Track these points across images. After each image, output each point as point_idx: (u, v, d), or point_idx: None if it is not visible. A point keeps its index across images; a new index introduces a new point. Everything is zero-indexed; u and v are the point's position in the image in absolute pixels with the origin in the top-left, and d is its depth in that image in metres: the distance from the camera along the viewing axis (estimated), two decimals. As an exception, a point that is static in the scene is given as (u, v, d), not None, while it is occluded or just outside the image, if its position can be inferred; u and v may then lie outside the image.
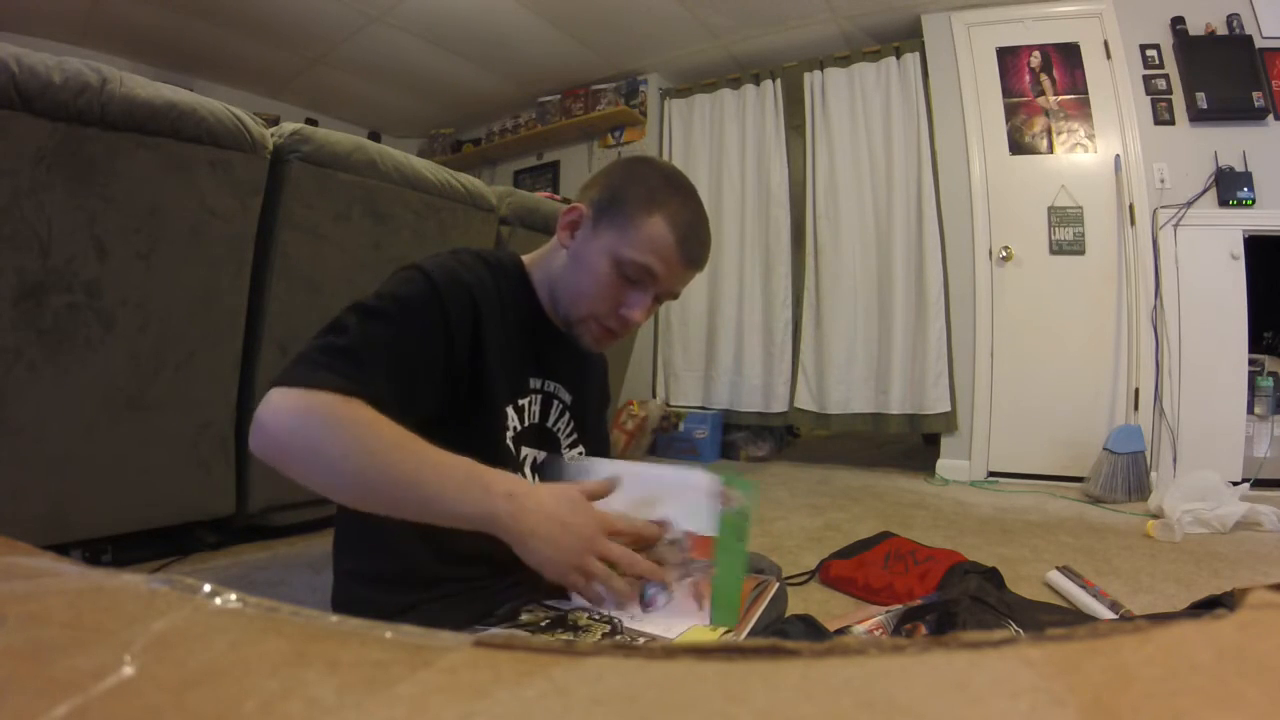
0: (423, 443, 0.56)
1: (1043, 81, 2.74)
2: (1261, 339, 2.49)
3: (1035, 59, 2.76)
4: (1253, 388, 2.40)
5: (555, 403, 0.82)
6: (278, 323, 1.47)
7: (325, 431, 0.54)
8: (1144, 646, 0.14)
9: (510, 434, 0.74)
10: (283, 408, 0.55)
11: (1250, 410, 2.39)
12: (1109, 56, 2.64)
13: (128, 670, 0.14)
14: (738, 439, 3.26)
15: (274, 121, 1.52)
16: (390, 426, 0.56)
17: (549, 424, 0.81)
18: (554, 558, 0.56)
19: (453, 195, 1.72)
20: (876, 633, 1.03)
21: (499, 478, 0.57)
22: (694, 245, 0.74)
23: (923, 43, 2.95)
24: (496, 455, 0.72)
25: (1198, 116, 2.49)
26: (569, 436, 0.84)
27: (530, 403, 0.78)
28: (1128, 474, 2.30)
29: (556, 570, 0.56)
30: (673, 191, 0.73)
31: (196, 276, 1.33)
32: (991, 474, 2.71)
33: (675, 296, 0.78)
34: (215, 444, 1.42)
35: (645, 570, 0.59)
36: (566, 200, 2.50)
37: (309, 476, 0.56)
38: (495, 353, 0.71)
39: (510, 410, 0.75)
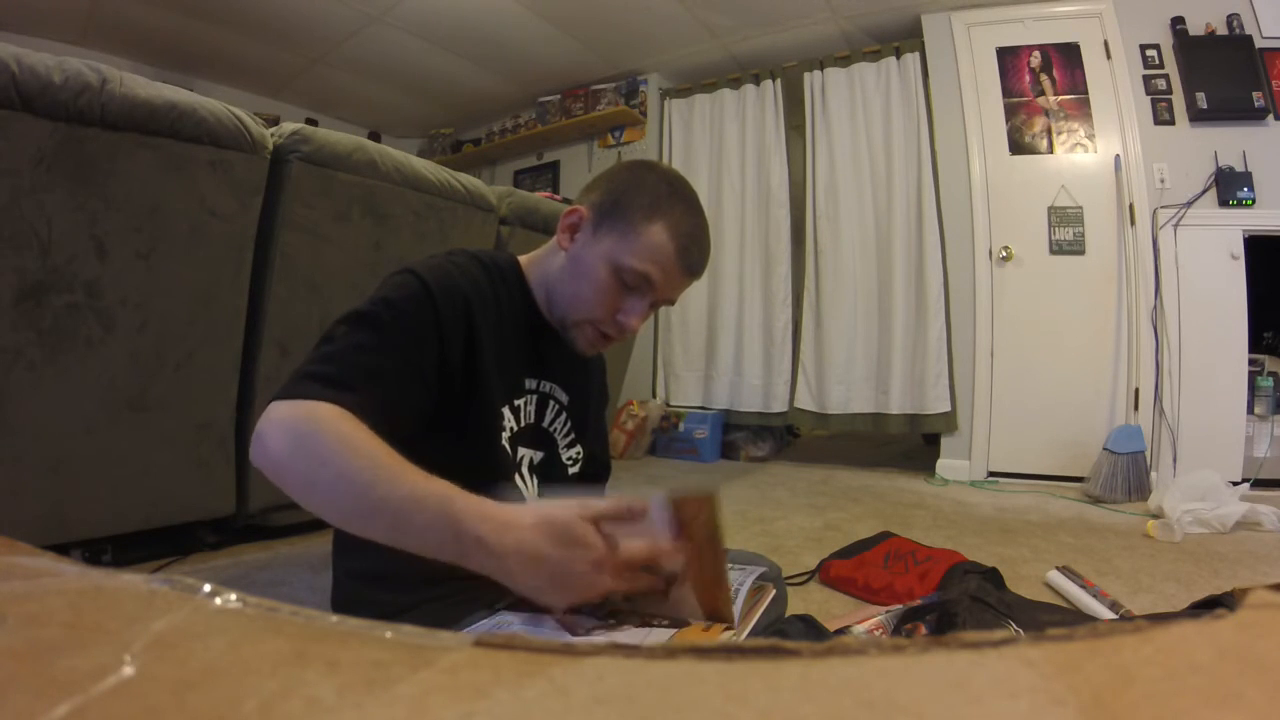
0: (398, 473, 0.52)
1: (1043, 81, 2.74)
2: (1261, 339, 2.49)
3: (1035, 59, 2.76)
4: (1253, 388, 2.40)
5: (552, 403, 0.82)
6: (278, 323, 1.47)
7: (310, 458, 0.53)
8: (1144, 646, 0.14)
9: (506, 435, 0.74)
10: (279, 424, 0.55)
11: (1250, 410, 2.39)
12: (1109, 56, 2.64)
13: (128, 670, 0.14)
14: (738, 439, 3.26)
15: (274, 121, 1.52)
16: (369, 451, 0.53)
17: (545, 424, 0.82)
18: (544, 600, 0.53)
19: (453, 195, 1.72)
20: (876, 633, 1.03)
21: (471, 514, 0.51)
22: (694, 255, 0.74)
23: (923, 43, 2.95)
24: (493, 456, 0.73)
25: (1198, 116, 2.49)
26: (566, 437, 0.84)
27: (526, 403, 0.78)
28: (1128, 474, 2.30)
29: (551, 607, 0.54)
30: (675, 199, 0.73)
31: (196, 276, 1.33)
32: (991, 474, 2.71)
33: (672, 303, 0.78)
34: (215, 444, 1.42)
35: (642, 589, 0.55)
36: (567, 200, 2.50)
37: (301, 499, 0.55)
38: (489, 354, 0.71)
39: (506, 411, 0.75)
